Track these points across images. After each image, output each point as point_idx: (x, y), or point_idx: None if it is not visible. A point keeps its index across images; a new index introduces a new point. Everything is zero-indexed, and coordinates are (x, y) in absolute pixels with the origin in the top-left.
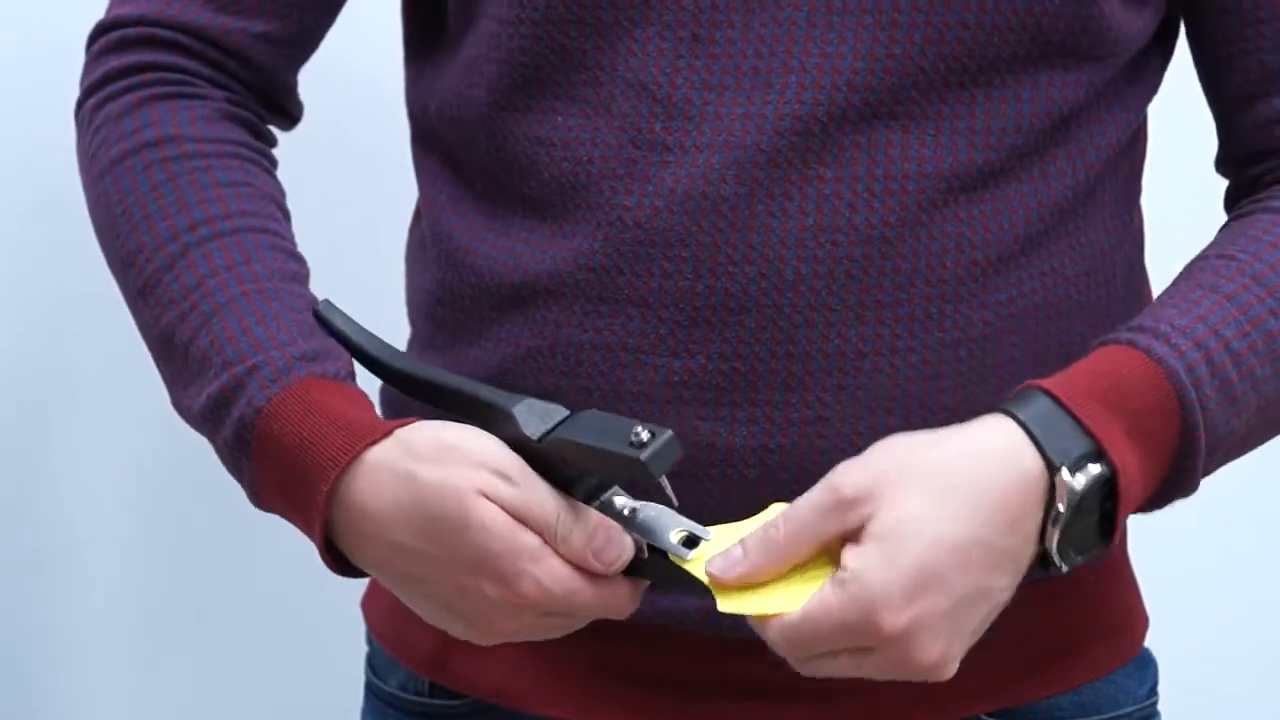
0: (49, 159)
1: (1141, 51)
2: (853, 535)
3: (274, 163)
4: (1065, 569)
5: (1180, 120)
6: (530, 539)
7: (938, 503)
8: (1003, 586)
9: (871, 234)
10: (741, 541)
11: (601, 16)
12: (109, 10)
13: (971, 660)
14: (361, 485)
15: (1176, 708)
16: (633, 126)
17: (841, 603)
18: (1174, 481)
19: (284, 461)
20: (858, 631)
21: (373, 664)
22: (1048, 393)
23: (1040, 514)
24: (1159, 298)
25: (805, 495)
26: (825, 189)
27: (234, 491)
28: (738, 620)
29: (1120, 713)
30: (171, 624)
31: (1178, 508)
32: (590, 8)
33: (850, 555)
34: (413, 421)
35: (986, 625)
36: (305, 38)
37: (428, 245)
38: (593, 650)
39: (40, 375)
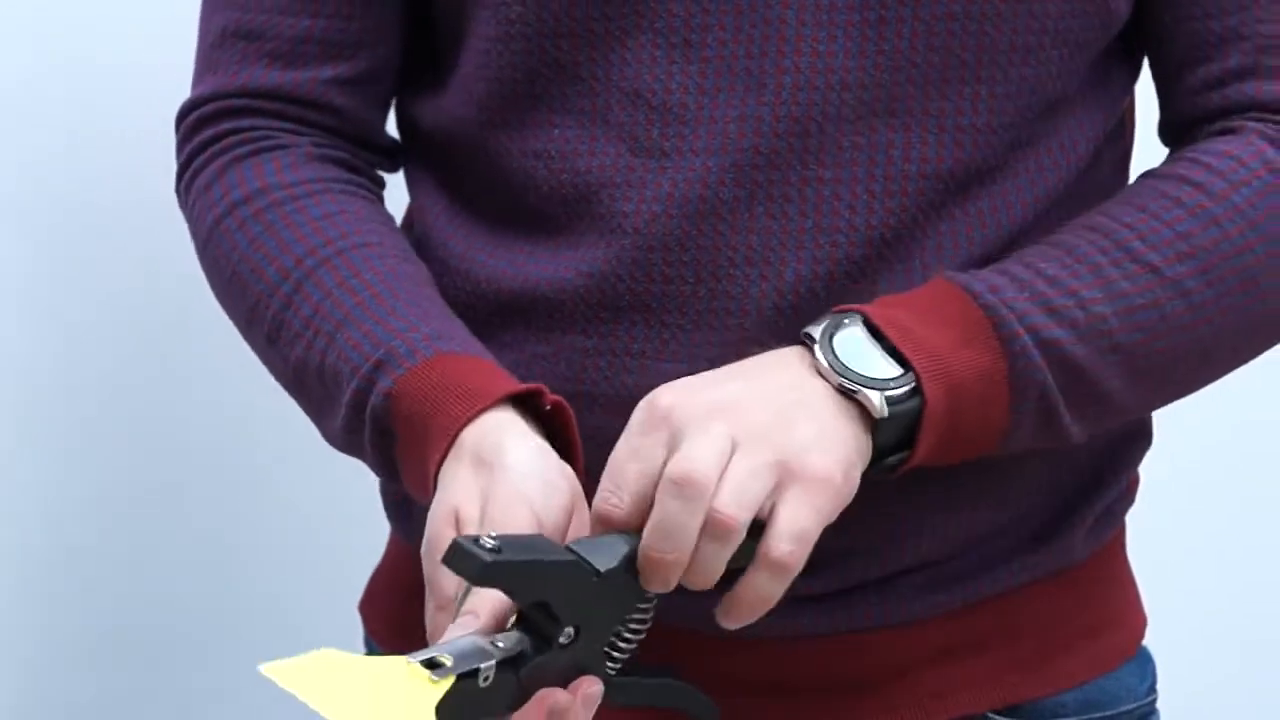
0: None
1: (1121, 33)
2: None
3: (376, 193)
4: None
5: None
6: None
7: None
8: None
9: (872, 235)
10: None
11: (593, 28)
12: (191, 93)
13: (977, 657)
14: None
15: (1174, 706)
16: (629, 135)
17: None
18: (1023, 387)
19: (415, 434)
20: (642, 421)
21: None
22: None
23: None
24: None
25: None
26: (825, 190)
27: (232, 494)
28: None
29: (1122, 709)
30: (165, 626)
31: (1175, 508)
32: (581, 19)
33: None
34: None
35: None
36: (378, 74)
37: (420, 252)
38: None
39: (49, 370)
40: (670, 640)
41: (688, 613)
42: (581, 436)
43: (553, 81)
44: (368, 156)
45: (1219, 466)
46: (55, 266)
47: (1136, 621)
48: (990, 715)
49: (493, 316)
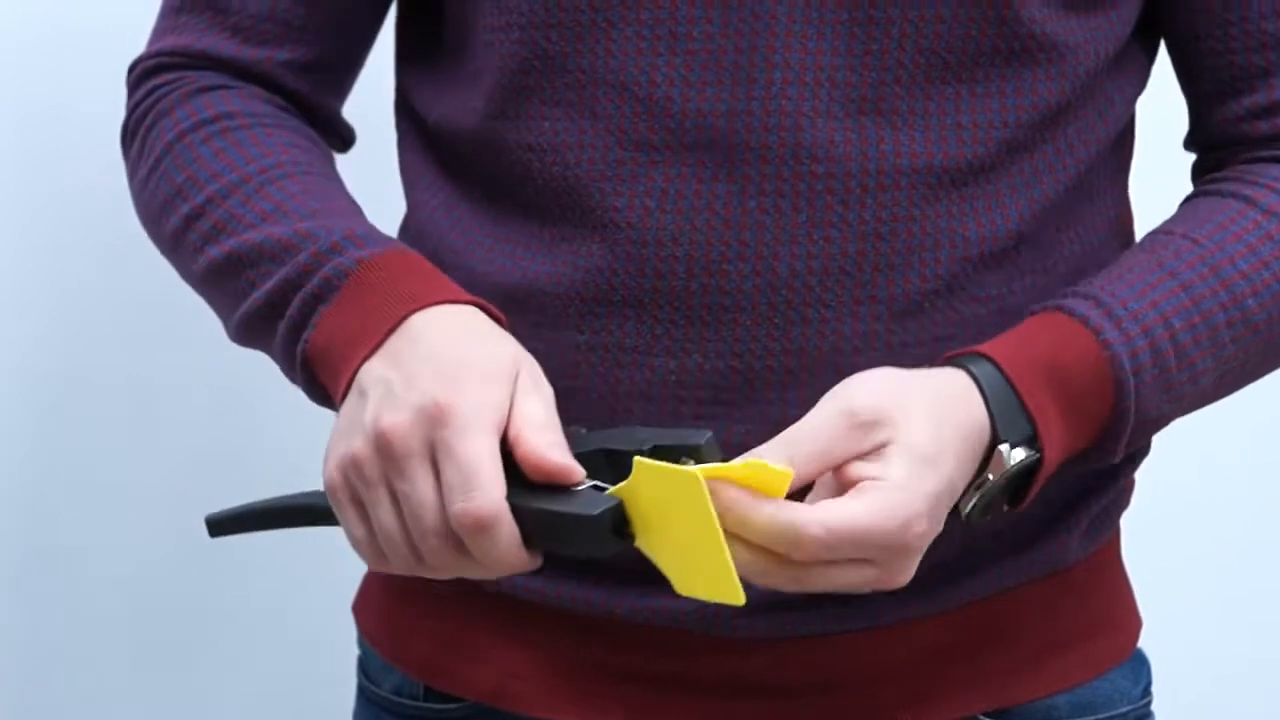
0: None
1: (1125, 46)
2: (868, 455)
3: (328, 151)
4: (968, 521)
5: (1172, 117)
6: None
7: (942, 435)
8: (935, 534)
9: (864, 229)
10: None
11: (580, 19)
12: (146, 48)
13: (969, 659)
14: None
15: (1169, 709)
16: (618, 128)
17: (881, 508)
18: (1092, 454)
19: (378, 289)
20: (884, 537)
21: (365, 668)
22: (994, 363)
23: (974, 471)
24: (1115, 266)
25: (813, 418)
26: (817, 185)
27: (227, 495)
28: (733, 620)
29: (1116, 712)
30: (161, 627)
31: (1173, 511)
32: (569, 10)
33: (874, 467)
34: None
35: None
36: (333, 63)
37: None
38: (589, 652)
39: (46, 379)
40: (665, 642)
41: (682, 616)
42: None
43: (544, 74)
44: (321, 129)
45: (1217, 469)
46: (53, 261)
47: (1131, 624)
48: (980, 717)
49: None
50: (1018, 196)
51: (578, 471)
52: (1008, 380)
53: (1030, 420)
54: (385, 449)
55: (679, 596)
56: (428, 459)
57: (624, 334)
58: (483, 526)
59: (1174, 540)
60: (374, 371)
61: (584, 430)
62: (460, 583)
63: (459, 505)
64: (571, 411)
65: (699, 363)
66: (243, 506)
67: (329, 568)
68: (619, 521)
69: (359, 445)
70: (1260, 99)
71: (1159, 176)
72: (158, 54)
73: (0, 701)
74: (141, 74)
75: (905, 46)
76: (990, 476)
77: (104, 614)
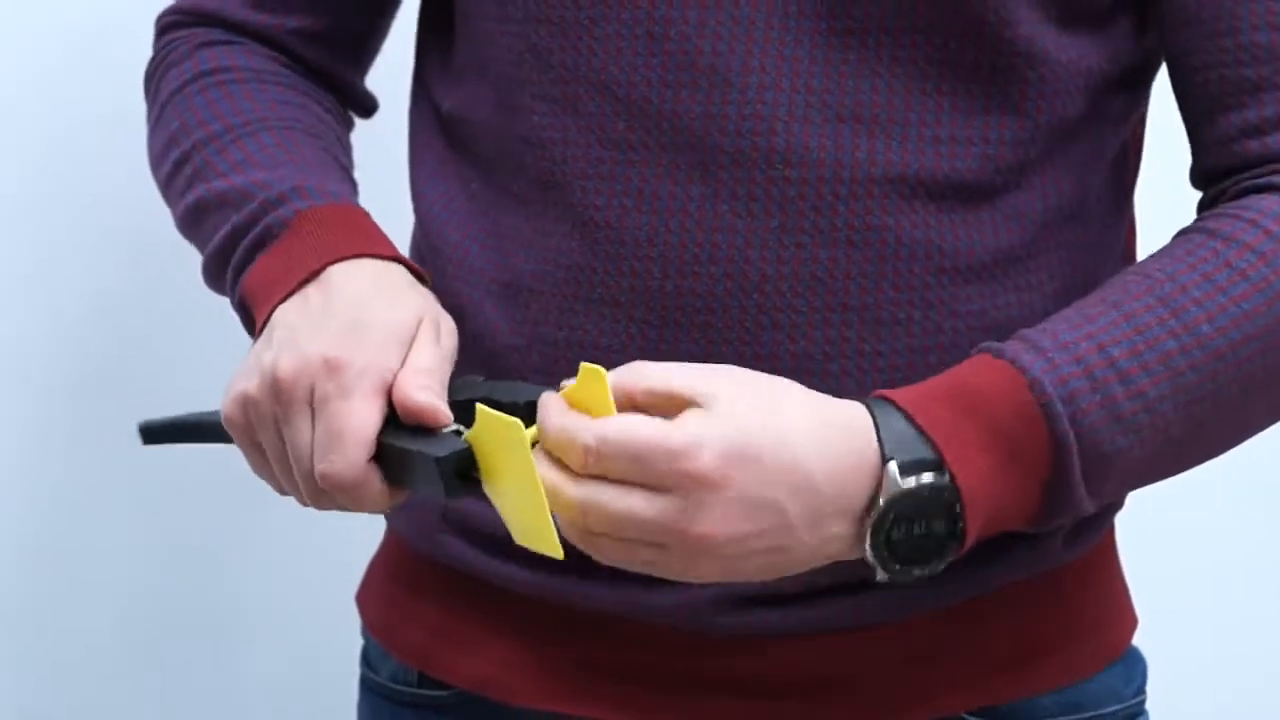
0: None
1: (1124, 63)
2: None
3: (332, 106)
4: (886, 576)
5: (1181, 129)
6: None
7: (788, 429)
8: (803, 544)
9: (836, 236)
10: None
11: (565, 15)
12: (172, 2)
13: (954, 658)
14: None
15: (1168, 707)
16: (598, 126)
17: (662, 428)
18: (1057, 499)
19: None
20: (656, 458)
21: (367, 657)
22: (892, 400)
23: (865, 500)
24: (1062, 311)
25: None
26: (790, 190)
27: (229, 487)
28: (715, 617)
29: (1104, 711)
30: (166, 619)
31: (1172, 507)
32: (556, 6)
33: (692, 411)
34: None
35: (764, 574)
36: (345, 35)
37: (419, 238)
38: (579, 645)
39: (45, 379)
40: (650, 638)
41: (667, 612)
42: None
43: (533, 68)
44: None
45: (1217, 465)
46: (51, 259)
47: (1124, 623)
48: (965, 717)
49: (483, 305)
50: (999, 213)
51: (443, 415)
52: (899, 408)
53: (930, 443)
54: (277, 393)
55: (665, 593)
56: (309, 410)
57: (600, 333)
58: (340, 487)
59: (1174, 538)
60: (284, 317)
61: (481, 379)
62: (453, 573)
63: (320, 465)
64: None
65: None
66: (176, 416)
67: (335, 559)
68: (465, 466)
69: (254, 385)
70: (1251, 115)
71: (1167, 191)
72: (176, 10)
73: (0, 701)
74: (161, 28)
75: (882, 56)
76: (881, 501)
77: (104, 610)
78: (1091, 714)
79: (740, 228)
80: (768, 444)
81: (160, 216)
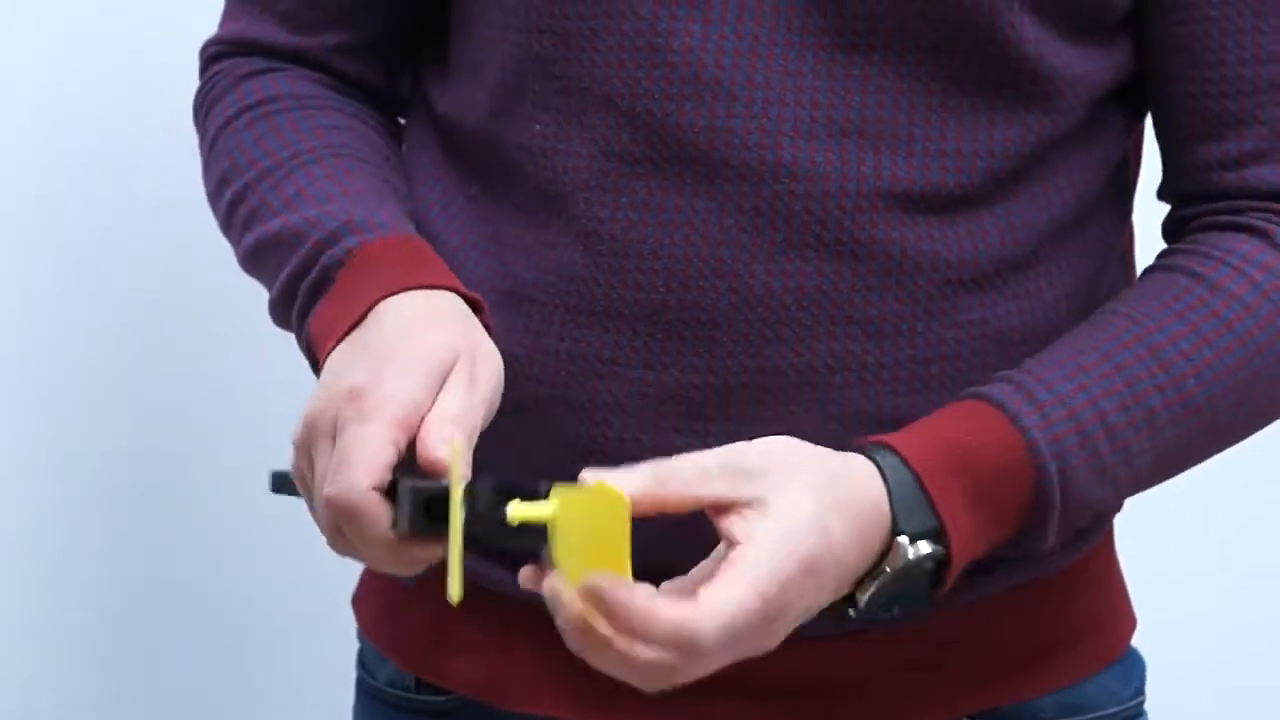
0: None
1: (1125, 77)
2: (739, 507)
3: (382, 121)
4: (858, 615)
5: None
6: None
7: (826, 506)
8: (816, 608)
9: (841, 250)
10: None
11: (568, 26)
12: (215, 32)
13: (955, 662)
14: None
15: (1167, 707)
16: (601, 137)
17: (689, 623)
18: (1025, 540)
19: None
20: (691, 654)
21: (363, 660)
22: (902, 458)
23: (871, 561)
24: (1053, 346)
25: (696, 455)
26: (795, 204)
27: (226, 489)
28: None
29: (1103, 713)
30: (162, 621)
31: (1171, 507)
32: (559, 17)
33: (738, 526)
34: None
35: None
36: (387, 44)
37: None
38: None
39: (43, 372)
40: None
41: None
42: (554, 446)
43: (537, 77)
44: (381, 108)
45: (1217, 465)
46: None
47: (1122, 625)
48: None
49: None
50: (1001, 224)
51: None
52: (913, 472)
53: (935, 514)
54: (308, 428)
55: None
56: (331, 441)
57: (602, 345)
58: (342, 511)
59: (1173, 539)
60: (330, 362)
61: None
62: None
63: (327, 488)
64: (548, 421)
65: (675, 377)
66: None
67: (333, 562)
68: (430, 505)
69: (296, 431)
70: (1230, 149)
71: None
72: (217, 41)
73: (1, 701)
74: (205, 60)
75: (887, 72)
76: (887, 569)
77: (104, 611)
78: (1091, 715)
79: (744, 241)
80: (823, 556)
81: (168, 223)
